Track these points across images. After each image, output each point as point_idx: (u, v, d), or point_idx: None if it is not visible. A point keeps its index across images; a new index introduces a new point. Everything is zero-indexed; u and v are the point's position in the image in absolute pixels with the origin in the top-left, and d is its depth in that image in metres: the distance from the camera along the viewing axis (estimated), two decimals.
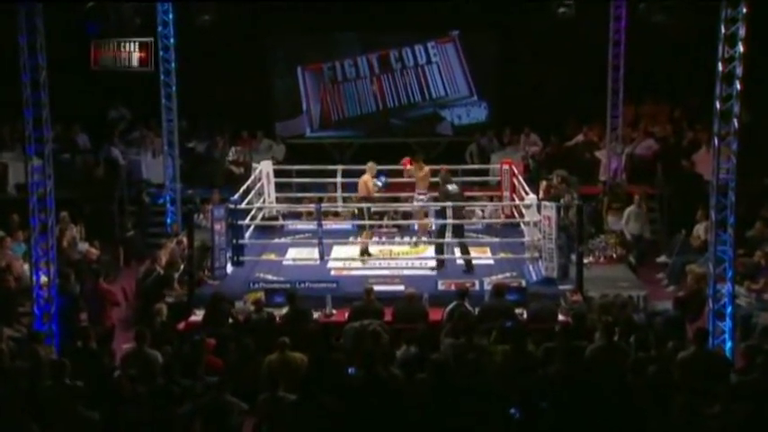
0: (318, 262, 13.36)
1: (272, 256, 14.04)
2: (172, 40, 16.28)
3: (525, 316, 11.41)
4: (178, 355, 10.05)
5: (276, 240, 14.87)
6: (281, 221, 15.76)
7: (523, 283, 12.35)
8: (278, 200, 15.89)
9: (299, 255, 14.09)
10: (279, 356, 9.64)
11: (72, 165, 17.81)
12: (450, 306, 11.20)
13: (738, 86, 10.72)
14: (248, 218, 14.12)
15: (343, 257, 13.92)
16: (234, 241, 13.25)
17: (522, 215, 14.16)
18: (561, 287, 12.44)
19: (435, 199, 13.73)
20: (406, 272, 13.28)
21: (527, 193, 14.02)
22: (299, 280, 12.49)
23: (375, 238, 14.48)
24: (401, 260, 13.81)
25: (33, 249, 11.27)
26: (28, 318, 11.70)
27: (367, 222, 14.02)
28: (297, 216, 16.07)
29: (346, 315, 11.44)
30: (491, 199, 16.11)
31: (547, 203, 12.98)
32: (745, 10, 10.64)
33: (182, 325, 11.71)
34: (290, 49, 19.88)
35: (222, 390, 8.63)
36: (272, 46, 19.87)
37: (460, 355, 9.47)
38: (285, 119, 20.11)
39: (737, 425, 8.12)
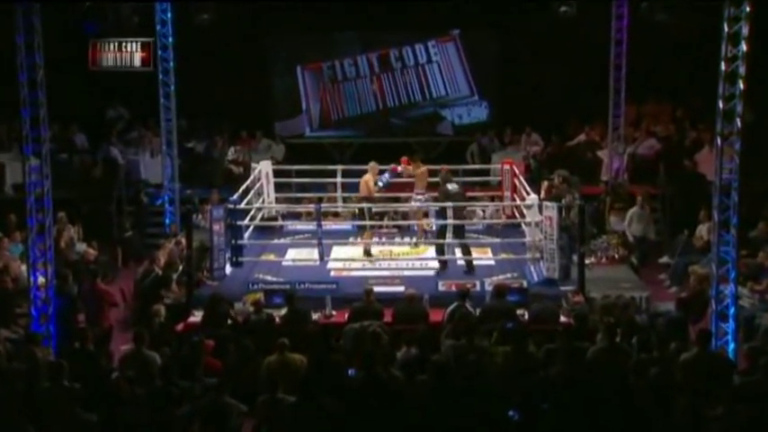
0: (318, 263, 13.31)
1: (272, 257, 14.00)
2: (170, 40, 16.24)
3: (526, 317, 11.39)
4: (177, 356, 10.04)
5: (275, 241, 14.83)
6: (280, 222, 15.72)
7: (525, 283, 12.31)
8: (277, 200, 15.87)
9: (299, 255, 14.05)
10: (278, 358, 9.62)
11: (70, 165, 17.79)
12: (451, 307, 11.18)
13: (741, 86, 10.69)
14: (247, 218, 14.07)
15: (343, 258, 13.87)
16: (233, 242, 13.20)
17: (523, 215, 14.12)
18: (563, 288, 12.39)
19: (435, 199, 13.68)
20: (406, 273, 13.24)
21: (528, 194, 13.99)
22: (298, 281, 12.44)
23: (375, 239, 14.42)
24: (401, 261, 13.77)
25: (31, 250, 11.24)
26: (25, 319, 11.68)
27: (368, 223, 13.95)
28: (296, 216, 16.04)
29: (346, 316, 11.39)
30: (492, 199, 16.08)
31: (548, 204, 12.94)
32: (748, 8, 10.59)
33: (180, 326, 11.67)
34: (289, 49, 19.83)
35: (221, 391, 8.59)
36: (272, 45, 19.81)
37: (461, 356, 9.44)
38: (284, 118, 20.06)
39: (740, 427, 8.07)
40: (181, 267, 13.29)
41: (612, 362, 9.33)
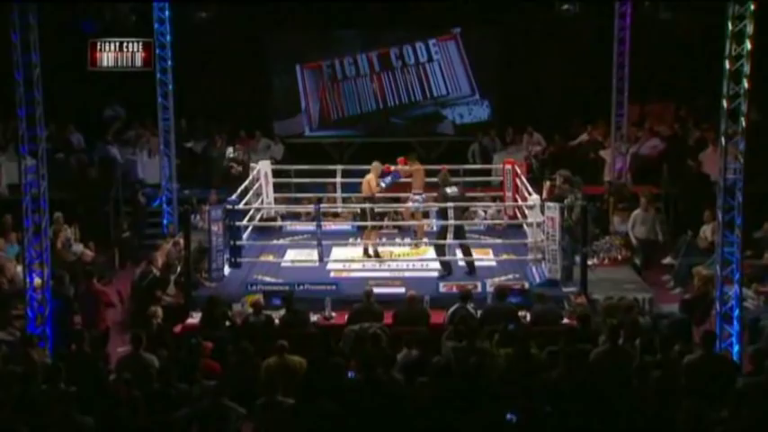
0: (318, 264, 13.26)
1: (271, 258, 13.95)
2: (168, 38, 16.18)
3: (528, 319, 11.34)
4: (175, 358, 9.99)
5: (274, 242, 14.77)
6: (279, 222, 15.70)
7: (526, 285, 12.29)
8: (276, 200, 15.87)
9: (298, 256, 14.01)
10: (277, 360, 9.58)
11: (66, 165, 17.74)
12: (452, 308, 11.16)
13: (746, 84, 10.62)
14: (246, 219, 14.03)
15: (343, 259, 13.81)
16: (231, 242, 13.15)
17: (524, 216, 14.10)
18: (565, 289, 12.36)
19: (434, 200, 13.60)
20: (406, 274, 13.21)
21: (530, 194, 13.95)
22: (297, 282, 12.40)
23: (375, 239, 14.34)
24: (402, 262, 13.72)
25: (27, 251, 11.17)
26: (21, 321, 11.59)
27: (370, 223, 13.88)
28: (296, 217, 16.01)
29: (346, 318, 11.36)
30: (494, 200, 16.03)
31: (550, 204, 12.89)
32: (752, 6, 10.52)
33: (178, 328, 11.62)
34: (288, 47, 19.81)
35: (220, 394, 8.51)
36: (271, 44, 19.79)
37: (462, 358, 9.39)
38: (284, 118, 20.04)
39: (745, 430, 8.01)
40: (179, 268, 13.20)
41: (615, 364, 9.28)
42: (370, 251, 13.92)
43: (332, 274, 13.18)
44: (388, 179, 14.02)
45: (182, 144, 17.93)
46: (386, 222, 15.22)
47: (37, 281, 11.16)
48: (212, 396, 8.51)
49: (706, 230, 14.44)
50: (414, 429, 8.30)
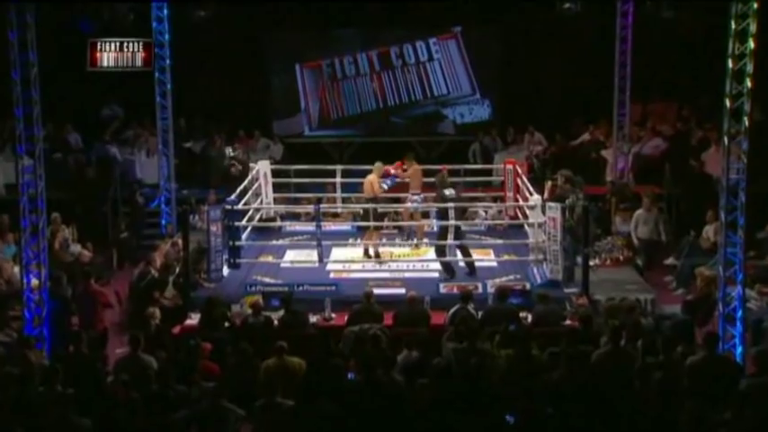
0: (317, 264, 13.23)
1: (270, 259, 13.93)
2: (167, 37, 16.15)
3: (530, 320, 11.32)
4: (173, 359, 9.99)
5: (274, 242, 14.74)
6: (278, 223, 15.69)
7: (528, 285, 12.29)
8: (276, 200, 15.87)
9: (298, 257, 13.99)
10: (276, 361, 9.57)
11: (64, 164, 17.70)
12: (453, 309, 11.14)
13: (749, 84, 10.59)
14: (245, 219, 14.01)
15: (343, 260, 13.77)
16: (230, 243, 13.14)
17: (526, 216, 14.07)
18: (566, 290, 12.35)
19: (433, 200, 13.56)
20: (407, 274, 13.19)
21: (531, 194, 13.94)
22: (297, 283, 12.39)
23: (377, 240, 14.29)
24: (402, 262, 13.71)
25: (24, 251, 11.15)
26: (18, 322, 11.55)
27: (372, 224, 13.83)
28: (295, 217, 16.01)
29: (346, 319, 11.33)
30: (494, 200, 16.01)
31: (552, 204, 12.87)
32: (756, 5, 10.51)
33: (177, 329, 11.61)
34: (288, 46, 19.79)
35: (219, 395, 8.50)
36: (270, 43, 19.76)
37: (463, 359, 9.37)
38: (283, 117, 20.02)
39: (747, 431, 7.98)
40: (177, 269, 13.15)
41: (617, 365, 9.27)
42: (371, 252, 13.88)
43: (332, 275, 13.16)
44: (389, 180, 14.02)
45: (180, 144, 17.89)
46: (386, 223, 15.18)
47: (34, 282, 11.16)
48: (211, 397, 8.49)
49: (709, 231, 14.41)
50: (414, 431, 8.28)
